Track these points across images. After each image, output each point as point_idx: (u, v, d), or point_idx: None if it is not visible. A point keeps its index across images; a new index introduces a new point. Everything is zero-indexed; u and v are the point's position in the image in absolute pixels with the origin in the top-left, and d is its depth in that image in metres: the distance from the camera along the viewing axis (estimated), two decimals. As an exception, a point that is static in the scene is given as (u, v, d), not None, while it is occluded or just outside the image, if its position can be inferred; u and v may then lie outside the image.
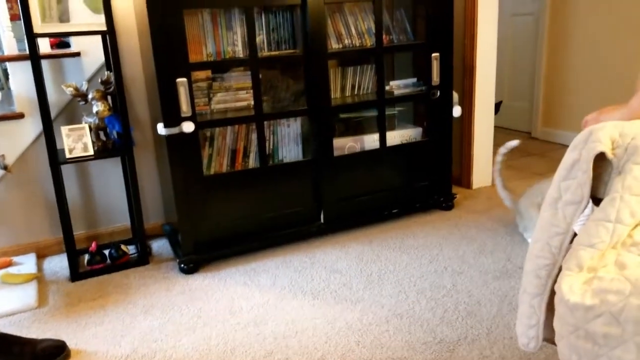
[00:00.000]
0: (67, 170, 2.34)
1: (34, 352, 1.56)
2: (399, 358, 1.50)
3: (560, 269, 1.04)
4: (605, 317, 0.87)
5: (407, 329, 1.65)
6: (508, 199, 2.38)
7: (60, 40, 2.55)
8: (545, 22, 3.81)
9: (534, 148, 3.77)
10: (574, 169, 0.99)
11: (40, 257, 2.36)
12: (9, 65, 2.26)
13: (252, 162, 2.31)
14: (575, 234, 1.02)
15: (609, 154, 0.96)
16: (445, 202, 2.66)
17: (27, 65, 2.18)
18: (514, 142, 2.36)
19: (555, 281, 1.06)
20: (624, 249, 0.93)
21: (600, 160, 0.97)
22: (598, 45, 3.48)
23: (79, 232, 2.41)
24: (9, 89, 2.59)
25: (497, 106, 3.80)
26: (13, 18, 2.38)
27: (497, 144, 3.22)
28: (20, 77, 2.23)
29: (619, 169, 0.95)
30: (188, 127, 2.03)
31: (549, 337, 1.12)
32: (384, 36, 2.40)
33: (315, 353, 1.55)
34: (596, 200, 1.00)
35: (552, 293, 1.07)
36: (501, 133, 4.17)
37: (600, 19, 3.43)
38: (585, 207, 1.00)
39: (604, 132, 0.97)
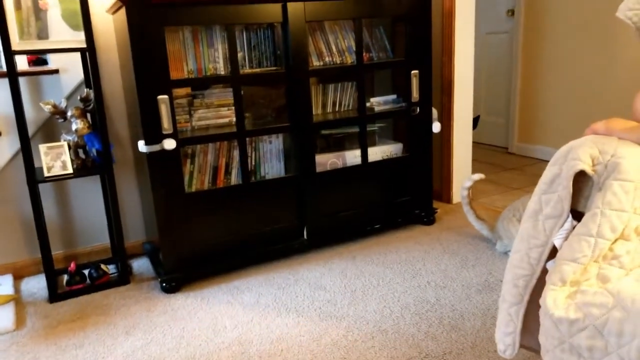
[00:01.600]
0: (45, 189, 2.30)
1: None
2: (385, 374, 1.50)
3: (538, 280, 1.07)
4: (589, 330, 0.88)
5: (393, 344, 1.65)
6: (484, 228, 2.42)
7: (38, 58, 2.52)
8: (520, 40, 3.91)
9: (511, 163, 3.84)
10: (555, 184, 1.02)
11: (17, 278, 2.30)
12: (-16, 83, 2.22)
13: (234, 178, 2.30)
14: (554, 247, 1.05)
15: (589, 171, 0.99)
16: (427, 217, 2.69)
17: (3, 83, 2.14)
18: (477, 176, 2.41)
19: (532, 291, 1.08)
20: (605, 262, 0.95)
21: (581, 176, 1.00)
22: (571, 62, 3.59)
23: (57, 251, 2.36)
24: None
25: (475, 121, 3.87)
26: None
27: (475, 159, 3.29)
28: (-4, 95, 2.19)
29: (600, 185, 0.98)
30: (169, 144, 2.02)
31: (528, 345, 1.14)
32: (364, 54, 2.44)
33: (301, 371, 1.54)
34: (576, 213, 1.03)
35: (530, 302, 1.09)
36: (479, 149, 4.26)
37: (574, 37, 3.54)
38: (565, 221, 1.02)
39: (584, 150, 1.00)
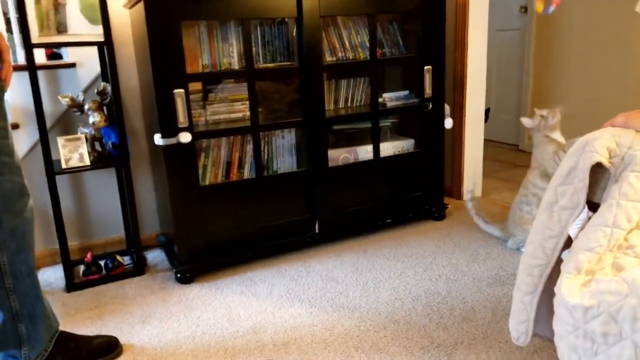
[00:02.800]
0: (61, 181, 2.34)
1: (89, 348, 1.60)
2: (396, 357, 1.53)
3: (552, 269, 1.09)
4: (604, 316, 0.90)
5: (405, 334, 1.67)
6: (495, 230, 2.41)
7: (52, 52, 2.56)
8: (532, 37, 3.91)
9: (522, 160, 3.85)
10: (571, 176, 1.04)
11: (34, 268, 2.34)
12: (3, 76, 2.26)
13: (247, 172, 2.33)
14: (569, 237, 1.06)
15: (606, 163, 1.00)
16: (437, 213, 2.70)
17: (21, 76, 2.18)
18: (470, 187, 2.51)
19: (546, 281, 1.10)
20: (620, 251, 0.97)
21: (598, 167, 1.02)
22: (584, 60, 3.59)
23: (73, 243, 2.41)
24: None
25: (486, 113, 3.86)
26: (6, 31, 2.40)
27: (485, 156, 3.29)
28: (14, 88, 2.23)
29: (616, 177, 0.99)
30: (185, 137, 2.05)
31: (541, 334, 1.16)
32: (377, 49, 2.45)
33: (315, 359, 1.56)
34: (591, 204, 1.05)
35: (544, 292, 1.11)
36: (489, 146, 4.26)
37: (587, 34, 3.53)
38: (581, 212, 1.04)
39: (601, 142, 1.01)
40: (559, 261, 1.07)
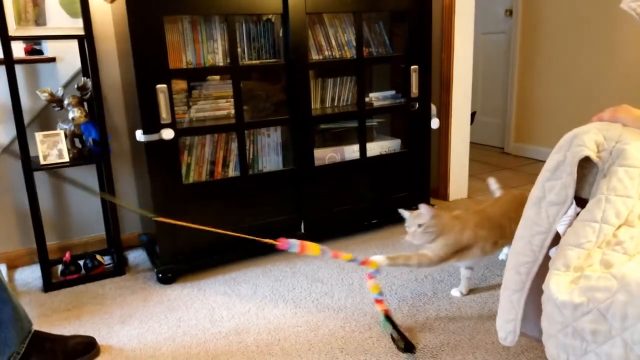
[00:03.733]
0: (40, 179, 2.27)
1: (65, 348, 1.55)
2: (384, 365, 1.50)
3: (540, 267, 1.07)
4: (593, 314, 0.88)
5: (390, 335, 1.64)
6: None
7: (33, 48, 2.49)
8: (517, 40, 3.93)
9: (507, 163, 3.86)
10: (559, 170, 1.02)
11: (11, 267, 2.28)
12: (-21, 70, 2.20)
13: (232, 171, 2.29)
14: (557, 233, 1.04)
15: (594, 157, 0.99)
16: (423, 213, 2.68)
17: (-1, 70, 2.12)
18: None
19: (534, 278, 1.08)
20: (609, 248, 0.95)
21: (585, 162, 1.00)
22: (569, 62, 3.61)
23: (51, 242, 2.34)
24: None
25: (472, 116, 3.87)
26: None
27: (471, 159, 3.29)
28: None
29: (604, 171, 0.98)
30: (168, 134, 2.01)
31: (529, 333, 1.14)
32: (363, 48, 2.43)
33: (298, 359, 1.53)
34: (579, 200, 1.03)
35: (532, 290, 1.09)
36: (475, 148, 4.26)
37: (572, 37, 3.56)
38: (569, 207, 1.02)
39: (589, 136, 1.00)
40: (547, 258, 1.05)
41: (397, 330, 1.62)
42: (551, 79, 3.74)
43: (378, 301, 1.70)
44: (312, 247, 1.58)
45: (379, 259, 1.68)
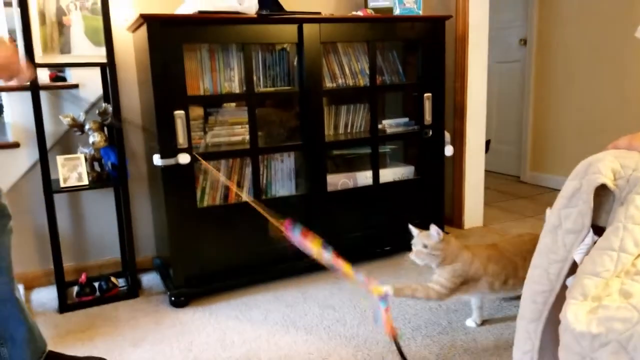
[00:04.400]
0: (59, 202, 2.31)
1: None
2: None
3: (557, 296, 1.05)
4: (613, 345, 0.87)
5: (413, 357, 1.62)
6: None
7: (57, 75, 2.57)
8: (532, 68, 3.95)
9: (523, 191, 3.83)
10: (575, 198, 1.01)
11: (28, 288, 2.30)
12: (4, 96, 2.27)
13: (245, 196, 2.31)
14: (574, 262, 1.03)
15: (611, 185, 0.98)
16: (437, 241, 2.66)
17: (24, 96, 2.19)
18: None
19: (551, 308, 1.06)
20: (628, 277, 0.94)
21: (602, 190, 1.00)
22: (585, 90, 3.61)
23: (68, 263, 2.36)
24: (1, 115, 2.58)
25: (487, 144, 3.86)
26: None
27: (486, 187, 3.28)
28: (16, 108, 2.23)
29: (621, 199, 0.97)
30: (184, 158, 2.04)
31: None
32: (377, 76, 2.47)
33: (311, 389, 1.51)
34: (596, 228, 1.02)
35: (549, 320, 1.07)
36: (490, 176, 4.24)
37: (587, 65, 3.57)
38: (586, 236, 1.01)
39: (605, 164, 0.99)
40: (564, 287, 1.04)
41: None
42: (566, 107, 3.74)
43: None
44: (314, 242, 1.54)
45: (384, 287, 1.62)
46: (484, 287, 1.69)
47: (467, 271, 1.67)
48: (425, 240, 1.69)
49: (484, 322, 1.87)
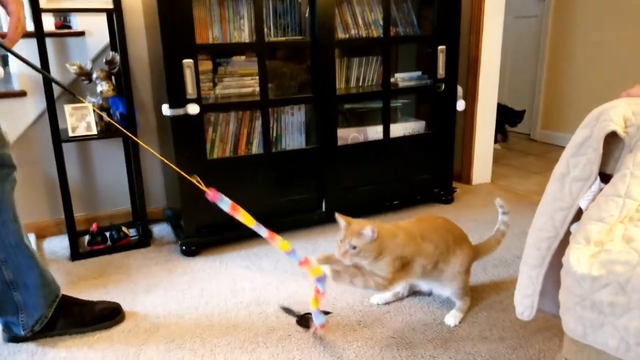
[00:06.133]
0: (68, 152, 2.34)
1: (91, 313, 1.61)
2: (400, 337, 1.51)
3: (560, 243, 1.06)
4: (612, 287, 0.88)
5: (408, 310, 1.66)
6: None
7: (63, 24, 2.55)
8: (549, 25, 3.84)
9: (533, 149, 3.80)
10: (584, 146, 1.01)
11: (40, 237, 2.36)
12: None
13: (255, 148, 2.31)
14: (579, 209, 1.03)
15: (621, 133, 0.97)
16: (445, 196, 2.67)
17: (29, 43, 2.17)
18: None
19: (554, 254, 1.07)
20: (631, 223, 0.94)
21: (612, 137, 0.99)
22: (600, 49, 3.51)
23: (78, 214, 2.41)
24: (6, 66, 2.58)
25: (521, 115, 3.82)
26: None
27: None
28: (22, 55, 2.22)
29: (631, 147, 0.96)
30: (193, 109, 2.03)
31: (546, 309, 1.14)
32: (390, 28, 2.42)
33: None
34: (604, 176, 1.02)
35: (551, 266, 1.08)
36: (500, 133, 4.20)
37: (605, 24, 3.46)
38: (593, 183, 1.01)
39: (617, 111, 0.98)
40: (568, 234, 1.04)
41: (305, 319, 1.54)
42: (582, 65, 3.65)
43: (317, 291, 1.46)
44: (246, 216, 1.40)
45: (323, 268, 1.44)
46: (417, 270, 1.51)
47: (403, 255, 1.47)
48: (355, 241, 1.41)
49: (486, 272, 1.89)
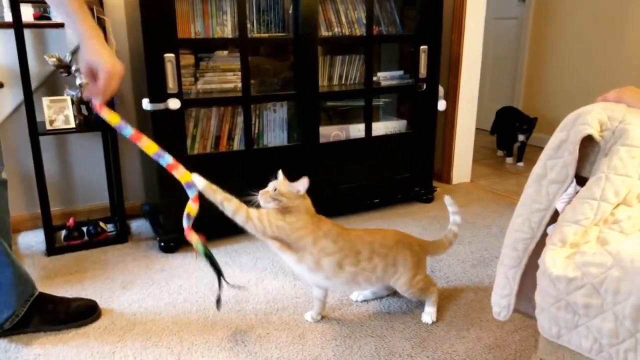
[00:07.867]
0: (45, 145, 2.29)
1: (67, 310, 1.58)
2: (379, 337, 1.52)
3: (537, 244, 1.08)
4: (587, 288, 0.89)
5: (387, 309, 1.67)
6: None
7: (42, 15, 2.49)
8: (529, 26, 3.89)
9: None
10: (561, 149, 1.02)
11: (14, 231, 2.31)
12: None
13: (237, 145, 2.30)
14: (555, 212, 1.05)
15: (597, 136, 0.99)
16: (426, 195, 2.70)
17: (7, 34, 2.13)
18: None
19: (531, 255, 1.09)
20: (606, 226, 0.96)
21: (588, 141, 1.01)
22: (579, 51, 3.57)
23: (55, 208, 2.37)
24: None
25: (530, 122, 3.35)
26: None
27: (477, 144, 3.29)
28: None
29: (606, 150, 0.98)
30: (174, 104, 2.01)
31: (522, 310, 1.16)
32: (373, 26, 2.42)
33: (296, 329, 1.55)
34: (580, 179, 1.04)
35: (527, 267, 1.10)
36: (480, 134, 4.23)
37: (585, 26, 3.52)
38: (569, 186, 1.03)
39: (592, 116, 1.00)
40: (544, 235, 1.06)
41: (218, 272, 1.49)
42: (561, 67, 3.71)
43: (189, 229, 1.46)
44: (112, 116, 1.34)
45: (195, 176, 1.45)
46: (308, 260, 1.47)
47: (295, 233, 1.46)
48: (282, 186, 1.47)
49: (465, 272, 1.92)
